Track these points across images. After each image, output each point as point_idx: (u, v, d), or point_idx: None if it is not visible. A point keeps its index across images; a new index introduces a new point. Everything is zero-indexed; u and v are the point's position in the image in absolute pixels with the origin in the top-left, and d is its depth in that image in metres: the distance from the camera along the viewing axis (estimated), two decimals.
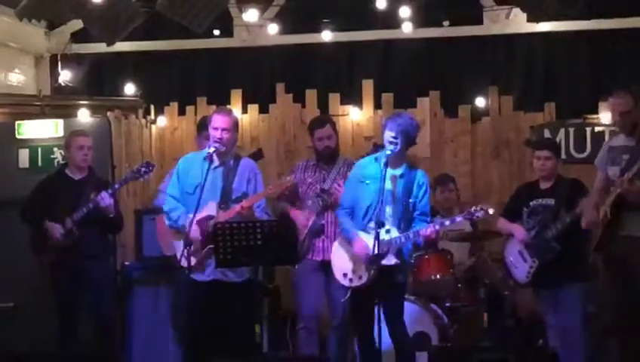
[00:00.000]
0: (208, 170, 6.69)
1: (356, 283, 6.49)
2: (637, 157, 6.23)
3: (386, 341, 6.57)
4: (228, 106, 9.18)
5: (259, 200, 6.84)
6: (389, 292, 6.57)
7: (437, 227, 6.54)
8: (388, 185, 6.58)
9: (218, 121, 6.84)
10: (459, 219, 6.68)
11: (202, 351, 6.71)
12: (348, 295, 6.59)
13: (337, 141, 7.72)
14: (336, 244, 6.89)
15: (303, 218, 7.42)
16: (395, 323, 6.64)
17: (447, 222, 6.59)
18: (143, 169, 7.43)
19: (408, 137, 6.63)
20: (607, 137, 8.80)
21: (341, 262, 6.74)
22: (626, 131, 6.46)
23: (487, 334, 8.09)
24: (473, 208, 6.68)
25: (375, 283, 6.49)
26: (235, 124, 6.94)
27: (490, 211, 6.64)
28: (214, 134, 6.80)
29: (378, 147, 6.88)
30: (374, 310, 6.58)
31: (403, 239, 6.52)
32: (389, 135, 6.57)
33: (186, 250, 6.54)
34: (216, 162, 6.82)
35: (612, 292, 6.49)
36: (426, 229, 6.51)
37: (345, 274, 6.66)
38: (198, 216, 6.61)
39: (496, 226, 7.71)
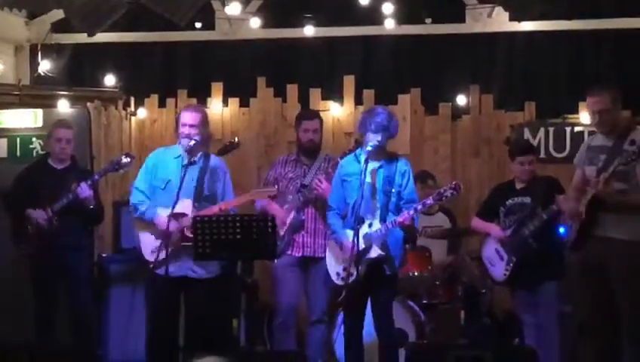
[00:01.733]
0: (186, 167, 6.69)
1: (347, 281, 6.47)
2: (613, 158, 6.22)
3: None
4: (207, 100, 9.20)
5: (238, 205, 6.86)
6: (377, 286, 6.58)
7: (411, 212, 6.49)
8: (368, 179, 6.57)
9: (186, 117, 6.86)
10: (429, 202, 6.60)
11: (169, 346, 6.73)
12: (343, 294, 6.55)
13: (321, 138, 7.71)
14: (329, 245, 6.89)
15: (282, 214, 7.41)
16: (382, 318, 6.65)
17: (420, 206, 6.52)
18: (123, 160, 7.41)
19: (388, 132, 6.64)
20: (586, 137, 8.83)
21: (333, 263, 6.74)
22: (604, 130, 6.45)
23: (464, 332, 8.11)
24: (442, 189, 6.64)
25: (365, 278, 6.49)
26: (204, 120, 6.93)
27: (458, 190, 6.57)
28: (182, 130, 6.82)
29: (360, 143, 6.87)
30: (365, 306, 6.62)
31: (383, 230, 6.52)
32: (374, 137, 6.54)
33: (156, 246, 6.59)
34: (186, 159, 6.81)
35: (586, 292, 6.50)
36: (400, 216, 6.51)
37: (338, 274, 6.66)
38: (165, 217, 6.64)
39: (471, 226, 7.73)
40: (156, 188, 6.88)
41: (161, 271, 6.66)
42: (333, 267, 6.76)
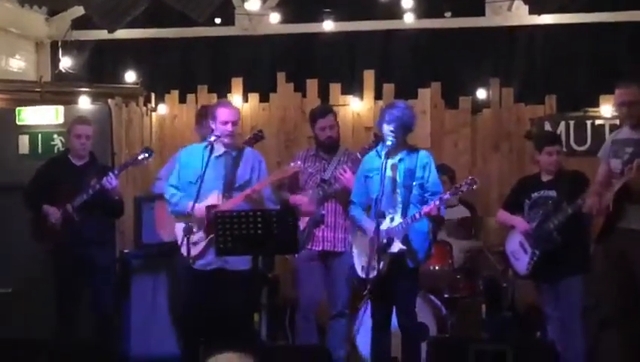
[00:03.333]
0: (208, 159, 6.70)
1: (371, 274, 6.49)
2: None
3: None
4: (228, 96, 9.25)
5: (267, 185, 6.86)
6: (399, 279, 6.58)
7: (437, 202, 6.49)
8: (389, 173, 6.58)
9: (228, 114, 6.87)
10: (446, 196, 6.59)
11: (201, 339, 6.72)
12: (369, 288, 6.57)
13: (339, 131, 7.71)
14: (355, 239, 6.88)
15: (305, 202, 7.43)
16: (403, 312, 6.66)
17: (437, 201, 6.50)
18: (142, 155, 7.45)
19: (405, 126, 6.65)
20: (607, 130, 8.82)
21: (358, 256, 6.74)
22: (632, 123, 6.43)
23: (486, 325, 8.11)
24: (459, 183, 6.68)
25: (388, 272, 6.49)
26: (238, 114, 7.02)
27: (474, 185, 6.59)
28: (225, 128, 6.81)
29: (379, 138, 6.88)
30: (393, 299, 6.64)
31: (404, 224, 6.52)
32: (387, 128, 6.57)
33: (186, 239, 6.55)
34: (218, 151, 6.83)
35: (611, 284, 6.49)
36: (426, 206, 6.50)
37: (363, 267, 6.65)
38: (200, 205, 6.63)
39: (495, 217, 7.72)
40: (188, 183, 6.89)
41: (197, 264, 6.70)
42: (359, 260, 6.76)
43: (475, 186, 6.58)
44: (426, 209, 6.50)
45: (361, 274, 6.71)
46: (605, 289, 6.62)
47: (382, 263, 6.45)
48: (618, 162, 6.36)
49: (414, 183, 6.62)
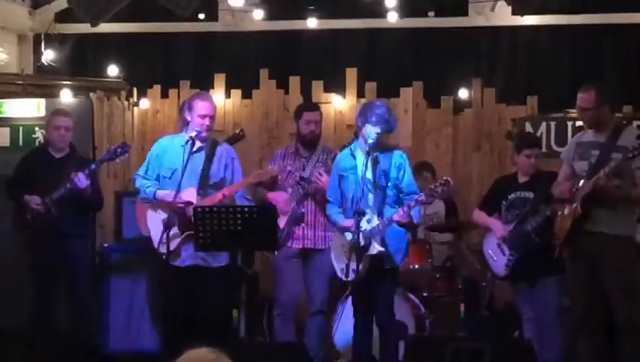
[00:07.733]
0: (190, 154, 6.69)
1: (351, 276, 6.48)
2: (608, 153, 6.22)
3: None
4: (210, 91, 9.21)
5: (241, 188, 6.86)
6: (378, 279, 6.57)
7: (405, 209, 6.46)
8: (368, 174, 6.57)
9: (206, 108, 6.82)
10: (420, 198, 6.51)
11: (179, 336, 6.71)
12: (349, 290, 6.57)
13: (321, 130, 7.72)
14: (333, 241, 6.86)
15: (281, 200, 7.42)
16: (381, 311, 6.64)
17: (412, 203, 6.47)
18: (119, 149, 7.41)
19: (390, 129, 6.64)
20: None
21: (338, 259, 6.70)
22: (590, 127, 6.47)
23: (464, 325, 8.13)
24: (433, 185, 6.59)
25: (367, 273, 6.48)
26: (216, 108, 6.98)
27: (449, 186, 6.55)
28: (202, 122, 6.78)
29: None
30: (373, 300, 6.61)
31: (381, 226, 6.51)
32: (373, 130, 6.51)
33: (164, 235, 6.53)
34: (195, 147, 6.81)
35: (577, 286, 6.50)
36: (395, 214, 6.48)
37: (342, 269, 6.62)
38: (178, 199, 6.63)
39: (472, 218, 7.72)
40: (162, 178, 6.89)
41: (175, 261, 6.68)
42: (337, 262, 6.73)
43: (448, 188, 6.54)
44: (395, 217, 6.46)
45: (340, 276, 6.69)
46: (575, 291, 6.62)
47: (361, 265, 6.43)
48: (584, 164, 6.37)
49: (389, 184, 6.60)
